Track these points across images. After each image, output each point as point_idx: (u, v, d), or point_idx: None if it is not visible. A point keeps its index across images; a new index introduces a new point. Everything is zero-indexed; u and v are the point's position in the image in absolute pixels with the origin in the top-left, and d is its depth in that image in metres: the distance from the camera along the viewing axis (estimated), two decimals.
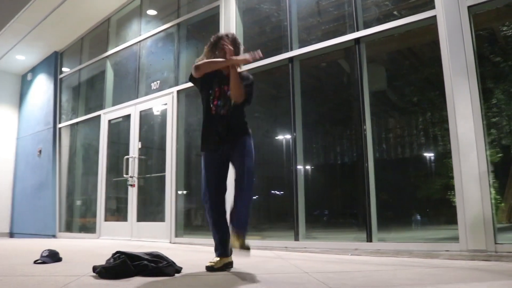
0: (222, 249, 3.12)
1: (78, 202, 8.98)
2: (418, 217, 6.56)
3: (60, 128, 9.28)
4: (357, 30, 4.73)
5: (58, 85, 9.53)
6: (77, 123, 8.99)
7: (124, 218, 7.25)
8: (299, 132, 5.10)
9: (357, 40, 4.70)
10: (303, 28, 5.50)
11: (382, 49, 5.94)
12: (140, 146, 7.22)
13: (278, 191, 7.86)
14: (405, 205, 5.24)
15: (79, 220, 8.80)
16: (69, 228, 8.77)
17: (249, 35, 6.02)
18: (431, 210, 6.96)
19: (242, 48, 3.28)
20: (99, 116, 8.20)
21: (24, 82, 10.79)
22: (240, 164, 3.07)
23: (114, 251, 3.24)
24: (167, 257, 3.26)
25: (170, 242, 6.23)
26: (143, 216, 7.00)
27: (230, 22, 5.92)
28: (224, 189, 3.26)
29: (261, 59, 3.06)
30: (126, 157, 7.22)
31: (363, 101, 4.57)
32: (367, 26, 4.73)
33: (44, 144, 9.40)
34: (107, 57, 8.36)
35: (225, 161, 3.25)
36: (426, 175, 7.56)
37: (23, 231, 9.63)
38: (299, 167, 5.10)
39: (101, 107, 8.28)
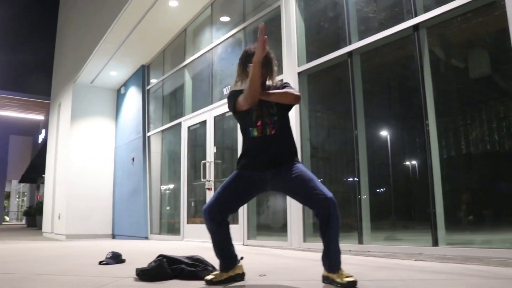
0: (223, 264, 2.89)
1: (167, 206, 9.47)
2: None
3: (149, 137, 9.89)
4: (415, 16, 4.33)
5: (146, 96, 10.18)
6: (162, 131, 9.50)
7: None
8: (362, 130, 4.80)
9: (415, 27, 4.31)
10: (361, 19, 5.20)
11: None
12: (215, 151, 7.40)
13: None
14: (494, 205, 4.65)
15: (168, 222, 9.27)
16: (159, 230, 9.29)
17: (311, 32, 5.84)
18: None
19: (273, 58, 2.89)
20: (180, 123, 8.58)
21: (119, 96, 11.70)
22: (310, 191, 2.62)
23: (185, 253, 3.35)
24: (206, 261, 3.28)
25: (243, 244, 6.28)
26: None
27: (290, 21, 5.82)
28: (233, 210, 2.91)
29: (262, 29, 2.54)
30: (203, 161, 7.45)
31: (425, 95, 4.16)
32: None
33: (136, 152, 10.09)
34: (185, 66, 8.72)
35: (259, 188, 2.86)
36: None
37: (122, 233, 10.43)
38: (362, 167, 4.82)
39: (181, 114, 8.66)
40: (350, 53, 4.96)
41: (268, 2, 6.46)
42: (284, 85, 2.91)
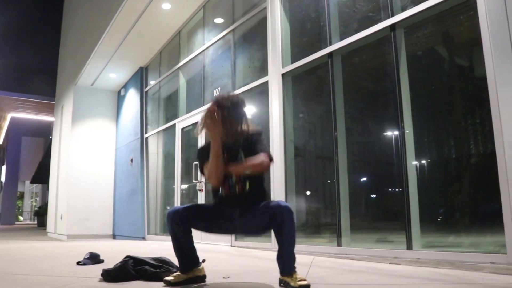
0: (182, 265, 2.91)
1: (165, 206, 9.54)
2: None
3: (147, 138, 9.99)
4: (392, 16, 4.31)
5: (144, 97, 10.28)
6: (158, 133, 9.59)
7: None
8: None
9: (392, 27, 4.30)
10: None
11: None
12: None
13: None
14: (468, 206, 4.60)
15: (165, 223, 9.33)
16: (156, 231, 9.38)
17: (295, 33, 5.85)
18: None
19: (232, 101, 2.84)
20: (174, 124, 8.65)
21: (119, 98, 11.83)
22: (268, 206, 2.67)
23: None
24: (172, 263, 3.32)
25: (231, 246, 6.30)
26: None
27: (275, 22, 5.83)
28: (194, 226, 2.88)
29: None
30: (195, 163, 7.50)
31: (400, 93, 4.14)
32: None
33: (134, 153, 10.20)
34: (179, 68, 8.79)
35: (227, 220, 2.87)
36: None
37: (121, 234, 10.55)
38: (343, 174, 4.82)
39: (176, 116, 8.73)
40: (330, 54, 4.96)
41: (256, 2, 6.48)
42: (253, 139, 2.87)
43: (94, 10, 10.19)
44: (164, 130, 9.31)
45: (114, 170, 11.50)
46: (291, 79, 5.69)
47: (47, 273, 3.57)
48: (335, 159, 4.78)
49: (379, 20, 4.46)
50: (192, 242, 2.91)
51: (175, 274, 2.94)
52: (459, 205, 4.71)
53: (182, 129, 8.42)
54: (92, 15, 10.38)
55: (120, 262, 3.26)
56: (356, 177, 5.39)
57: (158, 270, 3.17)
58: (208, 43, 7.73)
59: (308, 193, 5.61)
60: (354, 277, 3.17)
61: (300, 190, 5.70)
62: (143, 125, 10.09)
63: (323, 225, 5.70)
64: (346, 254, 4.37)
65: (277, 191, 5.39)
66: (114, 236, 11.06)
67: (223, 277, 3.19)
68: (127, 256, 3.35)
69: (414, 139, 4.20)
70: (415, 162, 4.26)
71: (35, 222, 29.39)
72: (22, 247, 7.21)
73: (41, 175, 24.63)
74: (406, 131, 4.12)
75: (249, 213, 2.79)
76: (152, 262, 3.28)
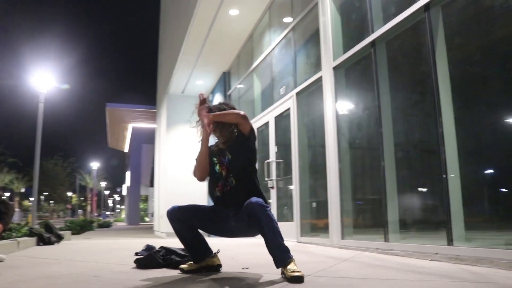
0: (191, 256, 3.14)
1: None
2: None
3: None
4: None
5: (227, 100, 10.76)
6: None
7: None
8: None
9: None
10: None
11: None
12: (276, 150, 7.59)
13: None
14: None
15: None
16: None
17: (345, 25, 5.72)
18: None
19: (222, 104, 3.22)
20: None
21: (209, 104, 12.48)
22: (246, 205, 2.77)
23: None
24: None
25: (297, 242, 6.37)
26: (281, 216, 7.34)
27: (326, 16, 5.77)
28: (193, 224, 3.05)
29: (203, 99, 2.99)
30: (266, 161, 7.69)
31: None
32: None
33: None
34: (253, 70, 9.07)
35: (222, 220, 3.03)
36: None
37: None
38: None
39: (252, 117, 9.02)
40: (373, 42, 4.79)
41: None
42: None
43: (176, 23, 10.98)
44: None
45: None
46: (343, 72, 5.58)
47: (99, 260, 4.05)
48: (440, 150, 4.60)
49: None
50: (197, 235, 3.11)
51: (189, 263, 3.16)
52: None
53: (257, 129, 8.67)
54: (175, 28, 11.19)
55: (151, 252, 3.58)
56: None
57: (182, 259, 3.41)
58: (273, 44, 7.88)
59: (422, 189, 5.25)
60: (368, 272, 3.07)
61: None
62: None
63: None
64: (392, 249, 4.18)
65: (333, 183, 5.36)
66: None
67: (242, 268, 3.31)
68: (161, 247, 3.67)
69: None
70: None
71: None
72: (116, 242, 8.04)
73: (153, 179, 26.97)
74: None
75: (240, 213, 2.90)
76: (180, 252, 3.54)
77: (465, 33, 4.18)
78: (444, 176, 3.73)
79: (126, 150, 43.77)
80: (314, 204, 6.61)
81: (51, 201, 59.25)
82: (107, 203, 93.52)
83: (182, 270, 3.11)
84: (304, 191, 6.59)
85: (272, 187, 7.55)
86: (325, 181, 5.57)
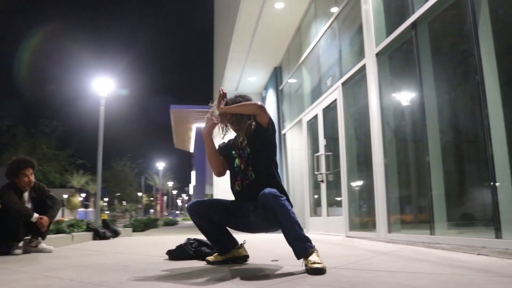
0: (217, 249, 3.17)
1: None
2: None
3: (284, 134, 10.36)
4: None
5: (279, 96, 10.71)
6: (291, 128, 9.86)
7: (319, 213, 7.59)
8: None
9: None
10: None
11: None
12: (325, 143, 7.41)
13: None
14: None
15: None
16: None
17: (387, 11, 5.44)
18: None
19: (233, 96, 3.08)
20: (301, 119, 8.82)
21: (262, 100, 12.51)
22: (260, 196, 2.70)
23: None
24: None
25: (346, 236, 6.18)
26: (331, 210, 7.18)
27: (368, 1, 5.54)
28: (212, 216, 3.05)
29: (224, 93, 2.91)
30: (316, 154, 7.54)
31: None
32: None
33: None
34: (302, 63, 8.92)
35: (243, 214, 2.99)
36: None
37: None
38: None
39: (302, 110, 8.88)
40: (414, 24, 4.50)
41: None
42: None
43: (225, 21, 11.09)
44: (296, 124, 9.52)
45: None
46: (387, 58, 5.31)
47: (140, 252, 4.18)
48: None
49: None
50: (218, 228, 3.09)
51: (215, 254, 3.15)
52: None
53: (307, 122, 8.52)
54: (224, 26, 11.29)
55: (184, 243, 3.62)
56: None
57: (211, 250, 3.41)
58: (319, 34, 7.70)
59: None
60: (402, 265, 2.89)
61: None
62: (280, 122, 10.50)
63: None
64: (438, 243, 3.91)
65: (379, 175, 5.13)
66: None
67: (272, 260, 3.25)
68: (194, 239, 3.70)
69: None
70: None
71: None
72: (170, 237, 8.25)
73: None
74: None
75: (259, 208, 2.82)
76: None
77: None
78: (491, 166, 3.42)
79: (191, 150, 45.03)
80: (364, 200, 6.38)
81: (123, 201, 62.37)
82: (176, 203, 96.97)
83: (208, 262, 3.13)
84: (352, 185, 6.38)
85: (322, 181, 7.38)
86: (371, 172, 5.35)
